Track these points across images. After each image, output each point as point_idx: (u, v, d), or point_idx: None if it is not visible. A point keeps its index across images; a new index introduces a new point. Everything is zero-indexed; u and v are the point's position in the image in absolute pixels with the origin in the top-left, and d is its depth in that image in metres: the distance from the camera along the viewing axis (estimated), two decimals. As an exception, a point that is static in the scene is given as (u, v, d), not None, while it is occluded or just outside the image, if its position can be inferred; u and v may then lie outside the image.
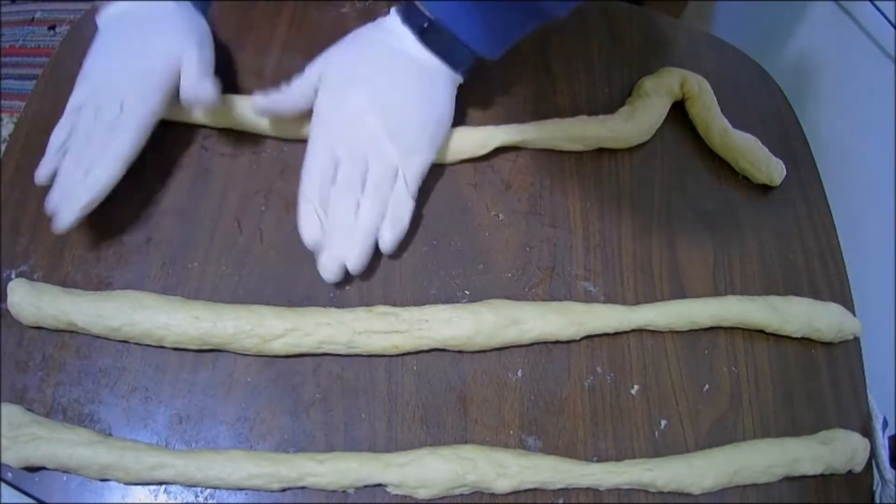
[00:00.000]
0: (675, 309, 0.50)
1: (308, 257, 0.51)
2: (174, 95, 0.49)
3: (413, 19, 0.50)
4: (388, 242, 0.49)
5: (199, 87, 0.48)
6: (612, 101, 0.59)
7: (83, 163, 0.47)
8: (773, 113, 0.63)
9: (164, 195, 0.53)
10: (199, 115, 0.53)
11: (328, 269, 0.48)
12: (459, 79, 0.52)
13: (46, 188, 0.52)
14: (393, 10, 0.51)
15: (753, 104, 0.63)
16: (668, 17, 0.67)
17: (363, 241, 0.48)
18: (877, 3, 0.66)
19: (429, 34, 0.50)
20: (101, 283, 0.49)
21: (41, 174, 0.47)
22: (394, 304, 0.49)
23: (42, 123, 0.55)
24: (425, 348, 0.48)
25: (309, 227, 0.48)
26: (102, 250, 0.50)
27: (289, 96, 0.50)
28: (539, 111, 0.58)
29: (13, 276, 0.49)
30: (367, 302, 0.49)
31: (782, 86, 0.65)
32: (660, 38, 0.65)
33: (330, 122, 0.50)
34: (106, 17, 0.51)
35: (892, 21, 0.64)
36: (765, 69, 0.65)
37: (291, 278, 0.50)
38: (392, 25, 0.51)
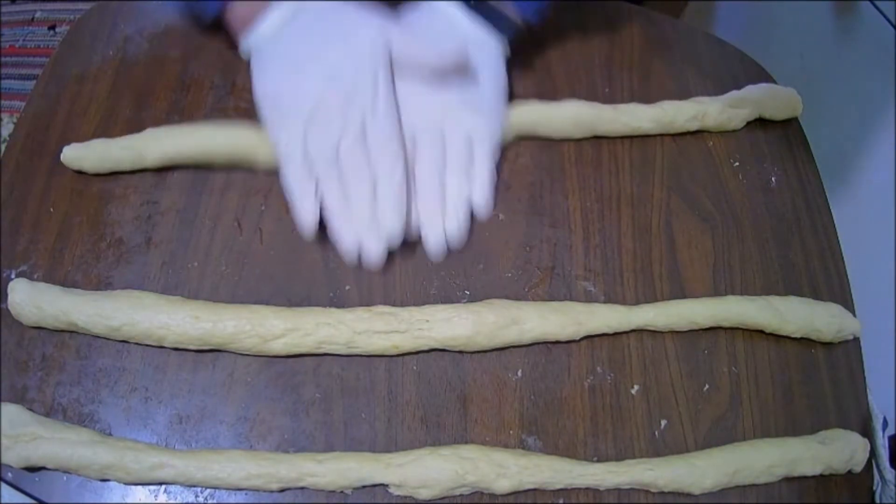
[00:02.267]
0: (675, 309, 0.50)
1: (308, 257, 0.51)
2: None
3: None
4: (482, 207, 0.50)
5: (416, 52, 0.48)
6: (612, 102, 0.59)
7: (362, 186, 0.46)
8: (773, 113, 0.63)
9: (164, 195, 0.53)
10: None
11: (435, 247, 0.49)
12: (507, 51, 0.54)
13: (46, 187, 0.52)
14: None
15: (753, 104, 0.63)
16: (668, 17, 0.67)
17: (460, 212, 0.49)
18: (877, 3, 0.66)
19: (473, 8, 0.51)
20: (101, 283, 0.49)
21: (309, 225, 0.47)
22: (394, 305, 0.49)
23: (42, 123, 0.55)
24: (425, 348, 0.48)
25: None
26: (102, 250, 0.50)
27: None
28: (539, 111, 0.58)
29: (13, 276, 0.49)
30: (367, 302, 0.49)
31: (782, 86, 0.65)
32: (660, 38, 0.65)
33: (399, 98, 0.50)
34: (264, 37, 0.49)
35: (892, 21, 0.64)
36: (765, 69, 0.65)
37: (291, 278, 0.50)
38: (437, 4, 0.52)
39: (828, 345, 0.52)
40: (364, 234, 0.47)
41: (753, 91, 0.59)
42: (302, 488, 0.44)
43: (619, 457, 0.47)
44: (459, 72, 0.50)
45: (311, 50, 0.48)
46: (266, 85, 0.49)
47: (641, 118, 0.57)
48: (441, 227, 0.49)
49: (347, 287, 0.50)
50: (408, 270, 0.51)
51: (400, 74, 0.50)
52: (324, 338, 0.46)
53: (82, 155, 0.51)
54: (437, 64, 0.49)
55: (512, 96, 0.58)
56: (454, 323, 0.47)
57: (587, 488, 0.45)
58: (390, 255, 0.51)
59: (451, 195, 0.49)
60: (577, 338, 0.49)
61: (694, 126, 0.58)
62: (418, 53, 0.48)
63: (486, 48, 0.52)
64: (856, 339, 0.53)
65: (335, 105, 0.47)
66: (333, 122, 0.47)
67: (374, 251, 0.47)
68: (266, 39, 0.49)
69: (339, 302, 0.49)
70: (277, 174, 0.51)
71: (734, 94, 0.59)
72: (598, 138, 0.58)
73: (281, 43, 0.49)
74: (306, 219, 0.47)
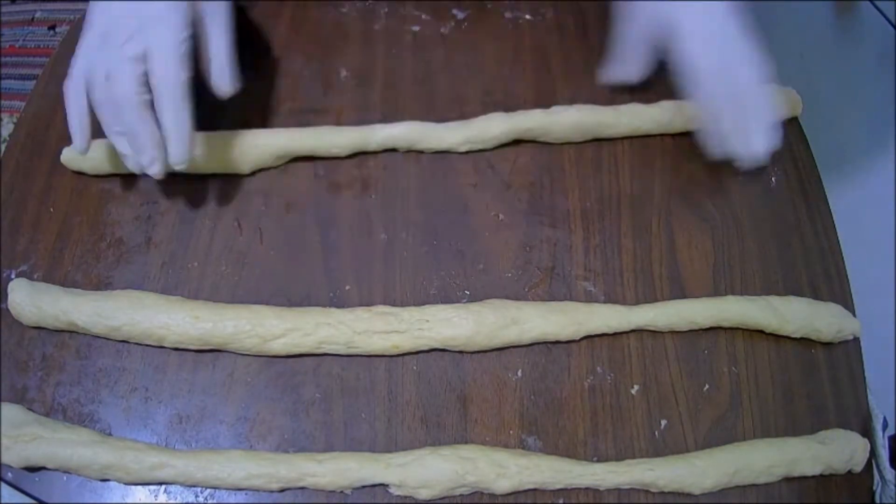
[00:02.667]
0: (674, 309, 0.50)
1: (308, 257, 0.51)
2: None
3: None
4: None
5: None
6: (612, 102, 0.59)
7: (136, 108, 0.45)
8: (773, 113, 0.63)
9: (164, 195, 0.53)
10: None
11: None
12: None
13: (46, 187, 0.52)
14: None
15: (753, 104, 0.63)
16: (668, 17, 0.67)
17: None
18: (877, 3, 0.66)
19: None
20: (101, 283, 0.49)
21: (79, 140, 0.46)
22: (394, 304, 0.49)
23: (42, 123, 0.55)
24: (425, 348, 0.48)
25: None
26: (102, 250, 0.50)
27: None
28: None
29: (13, 275, 0.49)
30: (367, 302, 0.49)
31: (782, 86, 0.65)
32: (660, 38, 0.65)
33: None
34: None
35: (892, 21, 0.64)
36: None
37: (291, 278, 0.50)
38: None
39: (828, 345, 0.52)
40: (142, 150, 0.46)
41: None
42: (302, 488, 0.44)
43: (619, 457, 0.47)
44: None
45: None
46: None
47: (643, 118, 0.57)
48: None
49: (347, 287, 0.50)
50: (408, 270, 0.51)
51: None
52: (324, 338, 0.46)
53: (82, 156, 0.51)
54: None
55: (512, 97, 0.58)
56: (454, 323, 0.47)
57: (587, 488, 0.45)
58: (390, 254, 0.51)
59: None
60: (577, 338, 0.49)
61: (694, 125, 0.58)
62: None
63: None
64: (856, 339, 0.53)
65: (126, 30, 0.46)
66: (119, 45, 0.45)
67: (155, 167, 0.46)
68: None
69: (339, 302, 0.49)
70: (265, 175, 0.51)
71: None
72: (598, 139, 0.58)
73: None
74: (76, 133, 0.47)
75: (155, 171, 0.47)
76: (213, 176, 0.53)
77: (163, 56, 0.45)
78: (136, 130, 0.46)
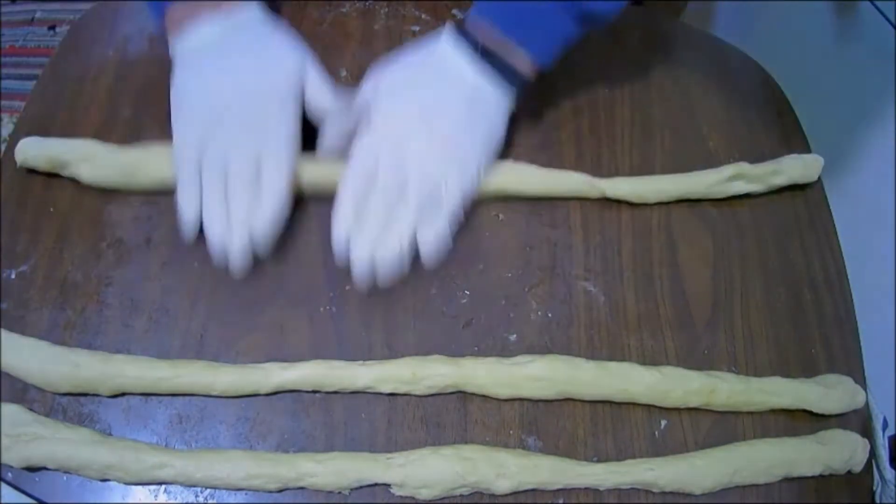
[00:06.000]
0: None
1: (308, 257, 0.51)
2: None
3: (465, 43, 0.51)
4: (427, 247, 0.48)
5: (326, 97, 0.50)
6: (612, 101, 0.60)
7: (242, 199, 0.47)
8: (773, 113, 0.63)
9: (164, 195, 0.52)
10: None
11: (359, 268, 0.47)
12: (510, 105, 0.52)
13: (46, 187, 0.52)
14: (445, 34, 0.51)
15: (753, 104, 0.63)
16: (668, 17, 0.67)
17: (394, 245, 0.47)
18: (877, 3, 0.66)
19: (481, 58, 0.50)
20: (100, 283, 0.49)
21: (188, 222, 0.47)
22: (394, 304, 0.49)
23: (42, 123, 0.55)
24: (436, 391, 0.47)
25: (343, 221, 0.48)
26: (102, 250, 0.50)
27: (349, 119, 0.51)
28: (538, 111, 0.58)
29: (13, 275, 0.49)
30: (366, 302, 0.49)
31: (782, 86, 0.65)
32: (660, 38, 0.65)
33: (379, 132, 0.49)
34: (189, 46, 0.50)
35: (892, 21, 0.64)
36: (765, 69, 0.65)
37: (291, 278, 0.50)
38: (444, 50, 0.51)
39: (828, 346, 0.52)
40: (231, 241, 0.47)
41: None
42: (301, 488, 0.44)
43: (619, 457, 0.47)
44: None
45: (230, 66, 0.50)
46: (178, 85, 0.50)
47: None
48: (369, 253, 0.47)
49: (347, 287, 0.50)
50: (408, 271, 0.51)
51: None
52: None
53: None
54: (327, 117, 0.51)
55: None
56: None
57: (587, 488, 0.45)
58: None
59: (397, 227, 0.48)
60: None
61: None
62: (318, 101, 0.50)
63: (487, 99, 0.51)
64: (856, 340, 0.53)
65: (235, 123, 0.48)
66: (228, 139, 0.47)
67: (235, 259, 0.47)
68: (192, 49, 0.50)
69: (340, 301, 0.49)
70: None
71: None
72: (597, 139, 0.58)
73: (205, 54, 0.50)
74: (188, 216, 0.48)
75: (236, 259, 0.47)
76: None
77: (273, 153, 0.48)
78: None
